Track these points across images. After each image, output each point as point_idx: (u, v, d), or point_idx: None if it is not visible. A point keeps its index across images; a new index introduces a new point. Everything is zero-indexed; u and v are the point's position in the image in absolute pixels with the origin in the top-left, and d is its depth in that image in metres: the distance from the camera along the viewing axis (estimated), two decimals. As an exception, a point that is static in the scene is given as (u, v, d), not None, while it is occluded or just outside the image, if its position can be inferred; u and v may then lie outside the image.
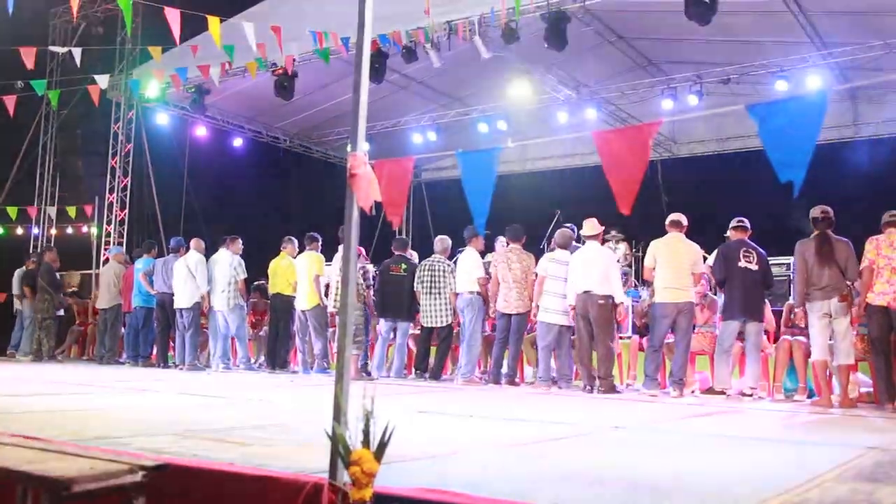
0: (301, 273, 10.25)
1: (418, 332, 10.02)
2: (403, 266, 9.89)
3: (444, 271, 9.55)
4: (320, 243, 10.44)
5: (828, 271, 7.15)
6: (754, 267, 7.82)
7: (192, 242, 10.96)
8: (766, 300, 8.70)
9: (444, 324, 9.51)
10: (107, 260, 13.23)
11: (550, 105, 14.10)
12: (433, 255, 9.73)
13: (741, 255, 7.82)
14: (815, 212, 7.37)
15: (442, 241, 9.84)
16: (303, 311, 10.23)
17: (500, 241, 10.02)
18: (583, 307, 8.22)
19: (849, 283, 7.25)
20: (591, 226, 8.47)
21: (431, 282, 9.54)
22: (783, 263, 10.71)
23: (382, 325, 10.07)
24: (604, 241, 8.97)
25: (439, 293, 9.50)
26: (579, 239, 10.00)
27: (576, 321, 8.37)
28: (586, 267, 8.24)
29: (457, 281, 9.36)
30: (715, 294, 8.88)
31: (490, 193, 2.80)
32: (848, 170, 12.37)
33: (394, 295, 9.80)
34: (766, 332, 8.73)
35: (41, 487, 2.54)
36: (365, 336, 9.78)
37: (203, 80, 12.04)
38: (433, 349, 9.82)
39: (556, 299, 8.56)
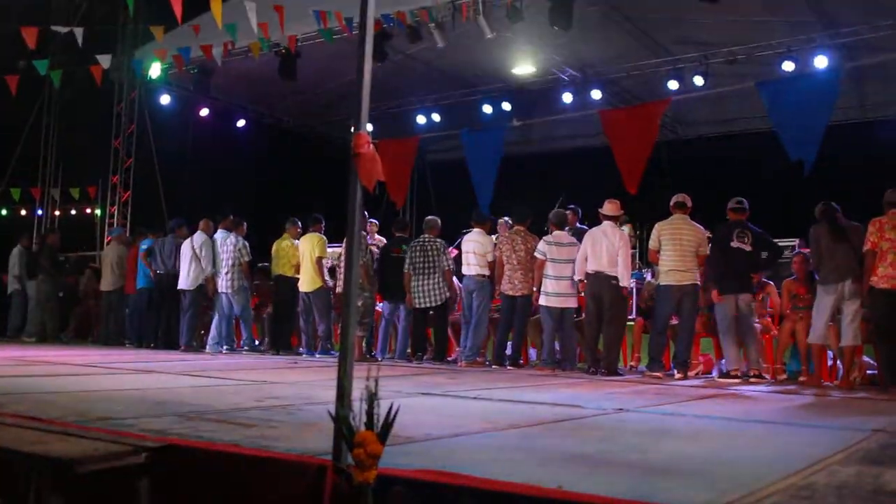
0: (303, 255, 10.23)
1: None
2: (404, 247, 9.81)
3: (437, 250, 9.44)
4: (323, 225, 10.40)
5: (840, 254, 7.21)
6: (748, 248, 7.81)
7: (201, 223, 10.91)
8: (771, 282, 8.69)
9: (438, 303, 9.43)
10: (109, 241, 13.22)
11: (555, 86, 14.01)
12: (423, 235, 9.63)
13: (734, 235, 7.81)
14: (817, 209, 7.52)
15: (432, 221, 9.74)
16: (306, 294, 10.21)
17: (502, 223, 9.97)
18: (593, 288, 8.21)
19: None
20: (611, 206, 8.42)
21: (424, 261, 9.43)
22: (789, 245, 10.68)
23: (385, 308, 10.05)
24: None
25: (432, 272, 9.40)
26: (583, 220, 9.97)
27: (585, 302, 8.35)
28: (598, 247, 8.21)
29: (468, 262, 9.26)
30: None
31: (495, 172, 2.78)
32: (853, 151, 12.27)
33: (395, 276, 9.71)
34: (772, 315, 8.73)
35: (44, 468, 2.54)
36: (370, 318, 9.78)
37: (206, 61, 11.97)
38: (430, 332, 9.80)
39: (556, 282, 8.53)
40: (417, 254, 9.47)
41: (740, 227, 7.87)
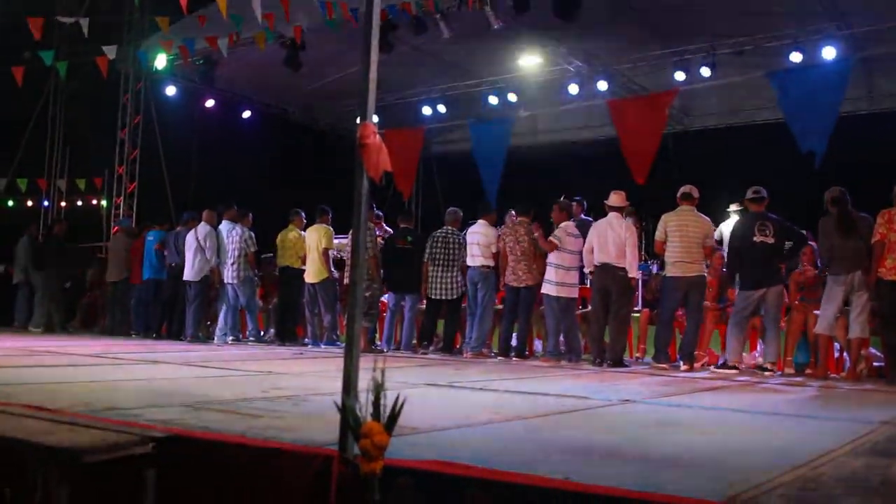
0: (310, 246, 10.22)
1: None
2: (409, 238, 9.81)
3: (458, 244, 9.48)
4: (330, 216, 10.38)
5: (851, 245, 7.20)
6: (771, 240, 7.70)
7: (204, 214, 10.89)
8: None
9: (455, 296, 9.46)
10: (116, 232, 13.25)
11: (561, 77, 13.97)
12: (445, 227, 9.64)
13: (756, 229, 7.70)
14: (829, 194, 7.43)
15: (454, 213, 9.76)
16: (312, 285, 10.21)
17: (511, 215, 9.95)
18: (600, 280, 8.18)
19: None
20: (617, 197, 8.38)
21: (445, 254, 9.45)
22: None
23: (390, 299, 10.05)
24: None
25: (451, 266, 9.42)
26: (588, 212, 9.94)
27: (591, 294, 8.33)
28: (604, 239, 8.18)
29: (472, 254, 9.26)
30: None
31: (501, 164, 2.77)
32: (862, 143, 12.21)
33: (401, 268, 9.70)
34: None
35: (52, 457, 2.55)
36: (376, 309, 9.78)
37: (211, 52, 11.96)
38: (440, 322, 9.79)
39: (560, 271, 8.51)
40: (439, 246, 9.48)
41: (760, 220, 7.69)
